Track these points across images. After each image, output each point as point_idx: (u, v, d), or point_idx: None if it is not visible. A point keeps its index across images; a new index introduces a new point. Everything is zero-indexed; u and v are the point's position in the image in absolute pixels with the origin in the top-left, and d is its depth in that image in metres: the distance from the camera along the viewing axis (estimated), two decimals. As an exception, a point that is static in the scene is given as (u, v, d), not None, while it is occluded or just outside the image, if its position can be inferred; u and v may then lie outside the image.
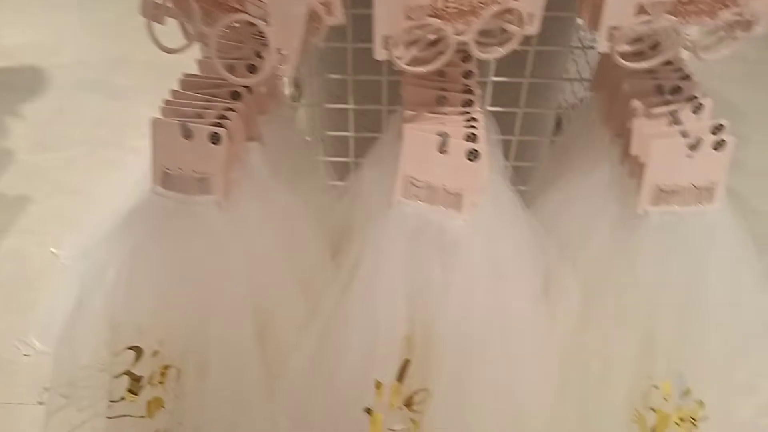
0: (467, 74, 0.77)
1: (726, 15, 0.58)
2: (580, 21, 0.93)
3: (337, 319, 0.74)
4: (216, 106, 0.72)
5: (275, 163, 0.79)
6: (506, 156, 0.92)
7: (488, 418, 0.77)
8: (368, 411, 0.73)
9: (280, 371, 0.79)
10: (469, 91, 0.75)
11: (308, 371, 0.77)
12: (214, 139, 0.68)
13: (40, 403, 0.99)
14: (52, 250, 1.27)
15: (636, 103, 0.71)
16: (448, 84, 0.76)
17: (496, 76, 0.91)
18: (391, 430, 0.78)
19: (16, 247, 1.33)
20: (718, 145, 0.65)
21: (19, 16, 2.17)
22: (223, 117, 0.70)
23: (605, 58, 0.80)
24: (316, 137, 0.97)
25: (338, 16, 0.63)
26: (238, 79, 0.65)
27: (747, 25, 0.58)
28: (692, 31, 0.61)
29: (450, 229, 0.69)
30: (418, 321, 0.73)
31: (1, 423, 0.98)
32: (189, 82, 0.76)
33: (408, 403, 0.77)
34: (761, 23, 0.58)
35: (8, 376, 1.06)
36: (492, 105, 0.92)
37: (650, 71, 0.75)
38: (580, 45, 0.98)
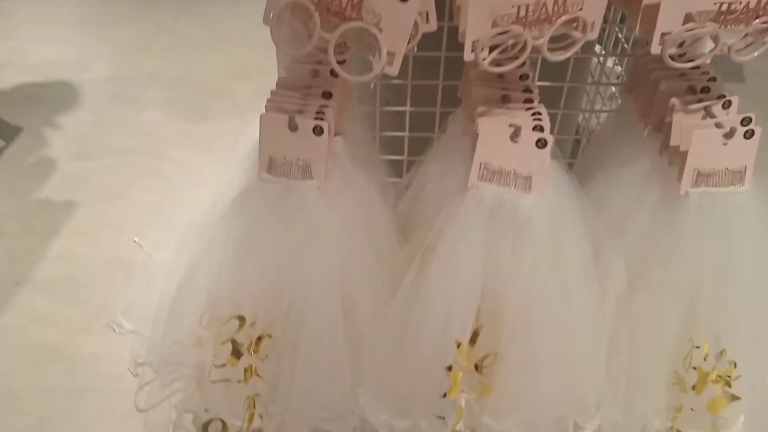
0: (524, 76, 0.89)
1: (758, 24, 0.70)
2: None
3: (420, 289, 0.83)
4: (313, 103, 0.82)
5: (355, 156, 0.89)
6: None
7: (550, 380, 0.87)
8: (449, 368, 0.83)
9: (362, 345, 0.89)
10: (529, 90, 0.86)
11: (391, 341, 0.87)
12: (317, 131, 0.78)
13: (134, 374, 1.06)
14: (135, 239, 1.35)
15: (674, 101, 0.83)
16: (509, 84, 0.88)
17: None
18: (463, 391, 0.88)
19: (68, 247, 1.41)
20: (749, 134, 0.77)
21: (50, 33, 2.26)
22: (321, 112, 0.81)
23: (639, 63, 0.93)
24: (374, 136, 1.08)
25: (433, 25, 0.74)
26: (350, 77, 0.75)
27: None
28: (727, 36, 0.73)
29: (522, 208, 0.79)
30: (490, 290, 0.83)
31: (78, 408, 1.05)
32: (284, 83, 0.86)
33: (477, 367, 0.87)
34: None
35: (80, 364, 1.13)
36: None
37: (682, 74, 0.87)
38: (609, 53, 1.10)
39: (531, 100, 0.85)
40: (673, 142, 0.82)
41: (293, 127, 0.78)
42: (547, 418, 0.88)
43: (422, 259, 0.85)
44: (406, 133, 1.09)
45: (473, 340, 0.85)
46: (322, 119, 0.79)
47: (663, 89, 0.86)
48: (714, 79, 0.87)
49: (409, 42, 0.73)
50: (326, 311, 0.85)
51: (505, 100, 0.86)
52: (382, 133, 1.09)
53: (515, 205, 0.79)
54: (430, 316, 0.83)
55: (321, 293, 0.84)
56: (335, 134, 0.87)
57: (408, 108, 1.06)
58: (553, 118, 1.05)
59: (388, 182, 1.04)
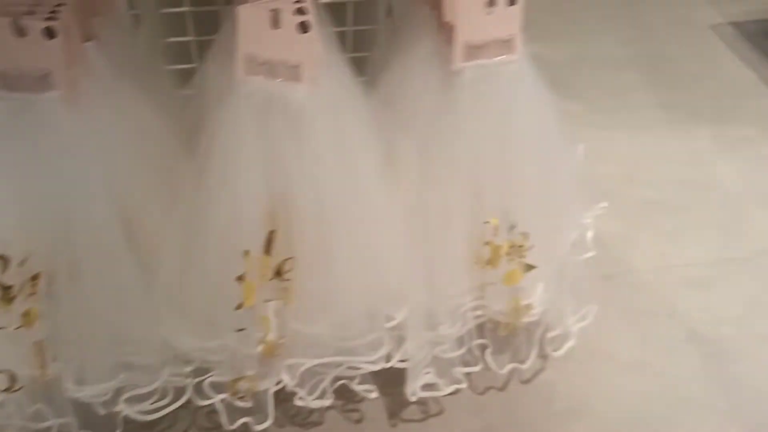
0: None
1: None
2: None
3: (200, 199, 0.78)
4: (46, 2, 0.72)
5: (118, 65, 0.81)
6: (345, 47, 0.99)
7: (352, 276, 0.86)
8: (240, 278, 0.79)
9: (154, 262, 0.83)
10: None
11: (180, 257, 0.82)
12: (49, 33, 0.69)
13: None
14: None
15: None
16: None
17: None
18: (267, 300, 0.85)
19: None
20: (512, 1, 0.76)
21: None
22: (55, 12, 0.71)
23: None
24: (159, 46, 0.98)
25: None
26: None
27: None
28: None
29: (294, 100, 0.75)
30: (277, 192, 0.79)
31: None
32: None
33: (279, 273, 0.84)
34: None
35: None
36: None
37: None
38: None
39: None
40: (446, 18, 0.80)
41: (20, 31, 0.68)
42: (358, 314, 0.88)
43: (201, 164, 0.79)
44: (192, 38, 1.00)
45: (268, 245, 0.81)
46: (53, 20, 0.69)
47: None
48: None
49: None
50: (104, 235, 0.78)
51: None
52: (166, 40, 1.00)
53: (287, 97, 0.75)
54: (214, 226, 0.78)
55: (92, 216, 0.76)
56: (86, 40, 0.77)
57: (186, 9, 0.97)
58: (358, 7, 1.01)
59: (172, 92, 0.95)
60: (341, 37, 0.98)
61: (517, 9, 0.77)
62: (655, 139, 1.56)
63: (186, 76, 1.00)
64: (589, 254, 1.04)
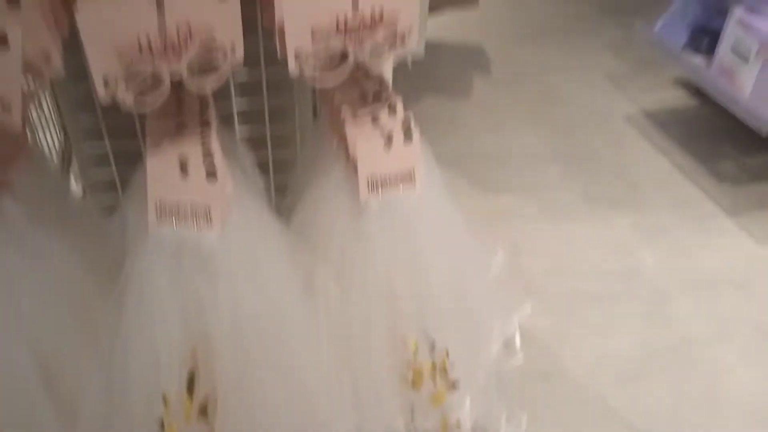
0: (204, 106, 0.87)
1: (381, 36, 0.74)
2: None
3: (118, 344, 0.78)
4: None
5: (34, 209, 0.81)
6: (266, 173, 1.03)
7: (278, 409, 0.85)
8: (161, 423, 0.78)
9: (74, 409, 0.81)
10: (206, 122, 0.84)
11: (101, 401, 0.80)
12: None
13: None
14: None
15: (345, 112, 0.85)
16: (186, 116, 0.85)
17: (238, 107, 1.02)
18: (191, 439, 0.83)
19: None
20: (407, 137, 0.81)
21: None
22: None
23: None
24: (86, 179, 1.00)
25: (57, 67, 0.68)
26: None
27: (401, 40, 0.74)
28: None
29: (205, 244, 0.77)
30: (196, 332, 0.80)
31: None
32: None
33: (203, 412, 0.83)
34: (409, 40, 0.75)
35: None
36: (242, 135, 1.03)
37: (355, 81, 0.89)
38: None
39: (208, 123, 0.83)
40: (350, 151, 0.84)
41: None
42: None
43: (118, 311, 0.79)
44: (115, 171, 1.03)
45: (190, 385, 0.81)
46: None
47: (338, 100, 0.88)
48: (384, 84, 0.90)
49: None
50: (21, 382, 0.77)
51: (179, 128, 0.82)
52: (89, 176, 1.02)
53: (198, 242, 0.77)
54: (134, 370, 0.78)
55: (8, 364, 0.76)
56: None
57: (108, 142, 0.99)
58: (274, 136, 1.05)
59: (94, 226, 0.96)
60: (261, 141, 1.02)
61: (415, 145, 0.81)
62: (579, 230, 1.63)
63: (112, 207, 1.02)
64: (518, 358, 1.06)
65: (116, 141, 1.01)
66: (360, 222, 0.84)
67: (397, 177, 0.82)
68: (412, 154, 0.81)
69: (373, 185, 0.82)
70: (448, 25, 2.34)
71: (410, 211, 0.84)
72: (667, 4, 1.93)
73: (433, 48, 1.86)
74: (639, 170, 1.84)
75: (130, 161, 0.98)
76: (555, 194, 1.74)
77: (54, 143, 1.17)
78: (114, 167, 1.03)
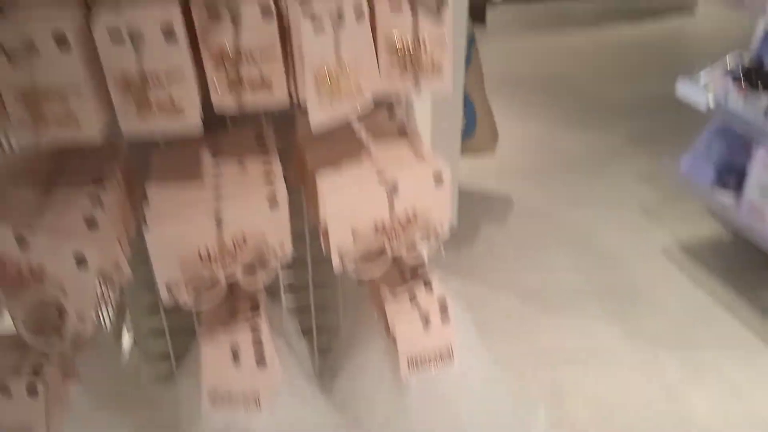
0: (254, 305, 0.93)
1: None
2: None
3: None
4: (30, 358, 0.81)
5: (98, 392, 0.88)
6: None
7: None
8: None
9: None
10: (256, 306, 0.91)
11: None
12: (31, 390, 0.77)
13: None
14: None
15: (384, 291, 0.91)
16: (238, 300, 0.92)
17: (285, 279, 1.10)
18: None
19: None
20: (444, 318, 0.86)
21: None
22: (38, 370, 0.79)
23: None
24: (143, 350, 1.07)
25: (126, 274, 0.77)
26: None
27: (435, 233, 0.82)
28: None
29: (254, 427, 0.82)
30: None
31: None
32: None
33: None
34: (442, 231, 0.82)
35: None
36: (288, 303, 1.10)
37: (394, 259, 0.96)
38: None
39: (257, 307, 0.89)
40: (390, 330, 0.90)
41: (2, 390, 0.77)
42: None
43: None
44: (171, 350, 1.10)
45: None
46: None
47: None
48: (423, 262, 0.97)
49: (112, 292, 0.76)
50: None
51: (231, 313, 0.89)
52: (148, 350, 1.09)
53: (247, 425, 0.82)
54: None
55: None
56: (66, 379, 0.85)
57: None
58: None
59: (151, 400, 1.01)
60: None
61: (450, 326, 0.86)
62: (623, 371, 1.61)
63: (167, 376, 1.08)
64: None
65: (172, 315, 1.09)
66: (401, 396, 0.88)
67: (435, 355, 0.87)
68: (449, 332, 0.86)
69: (413, 363, 0.86)
70: (472, 169, 2.41)
71: (450, 386, 0.88)
72: (695, 133, 1.98)
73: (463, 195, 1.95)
74: (679, 305, 1.83)
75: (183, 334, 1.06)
76: (597, 335, 1.73)
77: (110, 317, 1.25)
78: (169, 339, 1.10)
